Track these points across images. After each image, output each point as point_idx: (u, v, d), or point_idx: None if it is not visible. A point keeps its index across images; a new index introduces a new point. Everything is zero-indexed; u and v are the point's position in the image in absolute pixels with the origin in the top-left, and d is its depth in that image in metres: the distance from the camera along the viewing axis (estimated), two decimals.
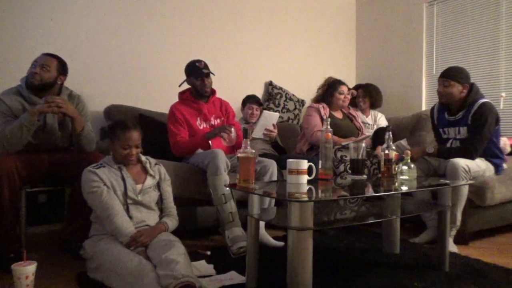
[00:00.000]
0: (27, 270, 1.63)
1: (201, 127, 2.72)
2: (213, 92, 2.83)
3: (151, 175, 2.01)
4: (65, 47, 2.94)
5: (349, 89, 3.29)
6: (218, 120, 2.81)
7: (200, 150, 2.58)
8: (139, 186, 1.95)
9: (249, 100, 3.42)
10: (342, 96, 3.16)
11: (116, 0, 3.19)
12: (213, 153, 2.38)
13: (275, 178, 2.48)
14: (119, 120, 2.19)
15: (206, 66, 2.70)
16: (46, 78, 2.23)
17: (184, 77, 2.79)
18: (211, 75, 2.73)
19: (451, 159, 2.41)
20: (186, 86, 2.80)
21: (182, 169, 2.49)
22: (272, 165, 2.50)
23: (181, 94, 2.81)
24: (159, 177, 2.05)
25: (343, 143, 2.81)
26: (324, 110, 3.12)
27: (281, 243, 2.37)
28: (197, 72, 2.68)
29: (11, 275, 1.63)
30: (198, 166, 2.49)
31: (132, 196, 1.90)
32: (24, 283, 1.62)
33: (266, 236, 2.39)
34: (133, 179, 1.95)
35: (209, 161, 2.37)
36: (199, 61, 2.72)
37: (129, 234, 1.77)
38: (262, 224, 2.37)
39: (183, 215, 2.45)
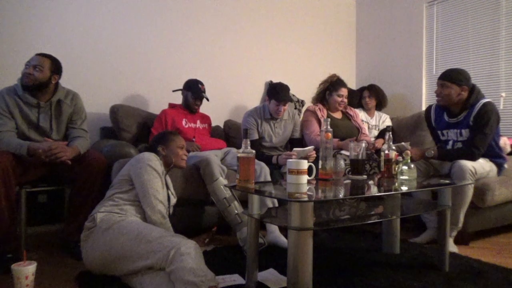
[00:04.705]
0: (27, 270, 1.63)
1: (187, 126, 2.93)
2: None
3: (172, 193, 2.10)
4: (65, 47, 2.95)
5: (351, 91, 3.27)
6: (206, 125, 3.09)
7: (191, 153, 2.63)
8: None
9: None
10: (339, 99, 3.10)
11: (118, 0, 3.19)
12: (205, 161, 2.41)
13: (268, 178, 2.52)
14: (166, 131, 2.37)
15: (204, 91, 3.03)
16: (40, 78, 2.24)
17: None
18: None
19: (457, 161, 2.40)
20: (178, 93, 3.07)
21: (182, 170, 2.49)
22: (262, 166, 2.55)
23: (173, 105, 3.04)
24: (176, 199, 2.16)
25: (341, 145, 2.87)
26: (321, 112, 3.09)
27: None
28: (197, 93, 2.97)
29: (11, 275, 1.63)
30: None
31: (167, 208, 1.98)
32: (24, 283, 1.62)
33: (282, 238, 2.34)
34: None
35: (204, 170, 2.42)
36: (202, 83, 3.03)
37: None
38: (275, 226, 2.37)
39: (184, 215, 2.47)
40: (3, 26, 2.75)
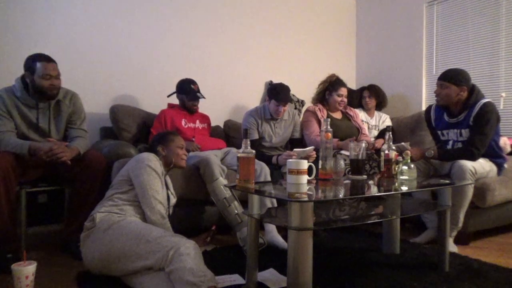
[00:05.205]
0: (27, 270, 1.63)
1: (186, 126, 2.92)
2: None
3: (172, 193, 2.09)
4: (66, 47, 2.95)
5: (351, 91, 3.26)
6: (205, 125, 3.08)
7: (191, 153, 2.63)
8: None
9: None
10: (339, 99, 3.09)
11: (118, 0, 3.19)
12: (205, 161, 2.41)
13: (268, 178, 2.52)
14: (166, 131, 2.38)
15: (198, 90, 2.98)
16: (60, 85, 2.32)
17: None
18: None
19: (457, 161, 2.40)
20: (174, 97, 3.02)
21: (182, 170, 2.49)
22: (262, 166, 2.55)
23: (172, 105, 3.02)
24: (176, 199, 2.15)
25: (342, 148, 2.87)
26: (321, 112, 3.08)
27: None
28: (191, 94, 2.93)
29: (11, 275, 1.63)
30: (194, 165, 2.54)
31: (167, 209, 1.98)
32: (24, 283, 1.62)
33: (279, 238, 2.34)
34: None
35: (204, 170, 2.42)
36: (193, 82, 2.97)
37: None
38: (272, 226, 2.37)
39: (184, 215, 2.47)
40: (3, 27, 2.75)
